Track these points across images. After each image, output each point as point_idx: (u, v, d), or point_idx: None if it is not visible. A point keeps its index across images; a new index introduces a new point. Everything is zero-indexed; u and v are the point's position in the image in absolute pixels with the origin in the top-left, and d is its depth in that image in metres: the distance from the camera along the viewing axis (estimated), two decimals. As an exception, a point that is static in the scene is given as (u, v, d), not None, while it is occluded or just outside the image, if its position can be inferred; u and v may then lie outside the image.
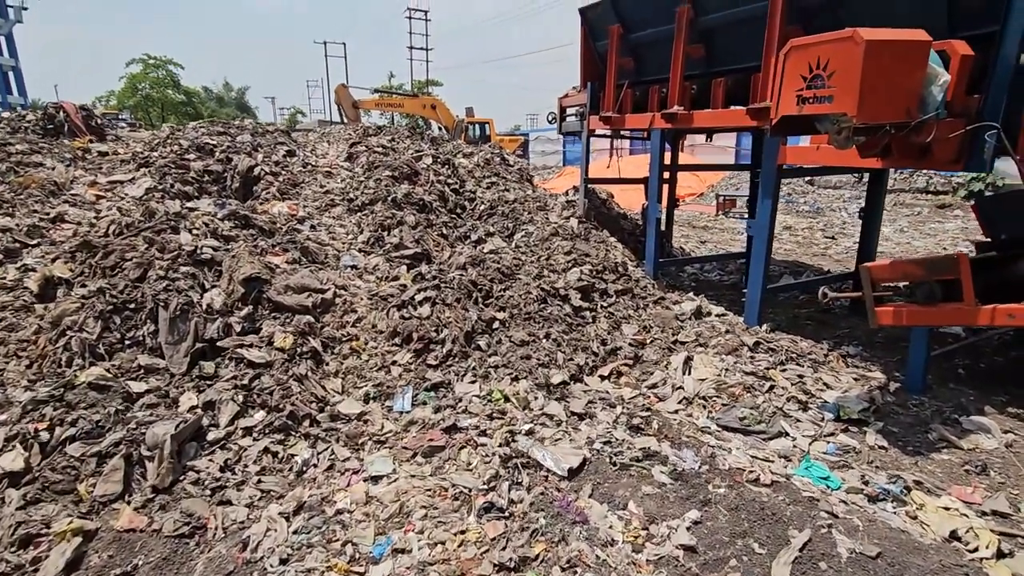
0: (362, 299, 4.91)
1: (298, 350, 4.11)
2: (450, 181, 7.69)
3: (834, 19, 4.41)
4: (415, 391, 4.02)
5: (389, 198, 6.82)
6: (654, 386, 4.13)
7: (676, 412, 3.85)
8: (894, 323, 4.16)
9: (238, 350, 3.97)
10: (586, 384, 4.26)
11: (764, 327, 5.17)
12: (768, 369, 4.33)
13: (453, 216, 7.18)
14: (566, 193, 8.38)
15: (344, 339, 4.45)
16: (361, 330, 4.58)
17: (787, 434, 3.61)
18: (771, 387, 4.10)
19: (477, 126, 27.78)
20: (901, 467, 3.27)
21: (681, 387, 4.07)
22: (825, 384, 4.22)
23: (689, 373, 4.25)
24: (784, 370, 4.35)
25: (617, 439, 3.52)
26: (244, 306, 4.29)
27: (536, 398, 3.94)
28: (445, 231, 6.76)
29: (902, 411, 3.90)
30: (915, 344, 4.14)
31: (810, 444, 3.51)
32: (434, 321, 4.52)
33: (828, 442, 3.53)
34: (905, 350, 4.96)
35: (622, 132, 7.20)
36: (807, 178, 21.16)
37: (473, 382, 4.10)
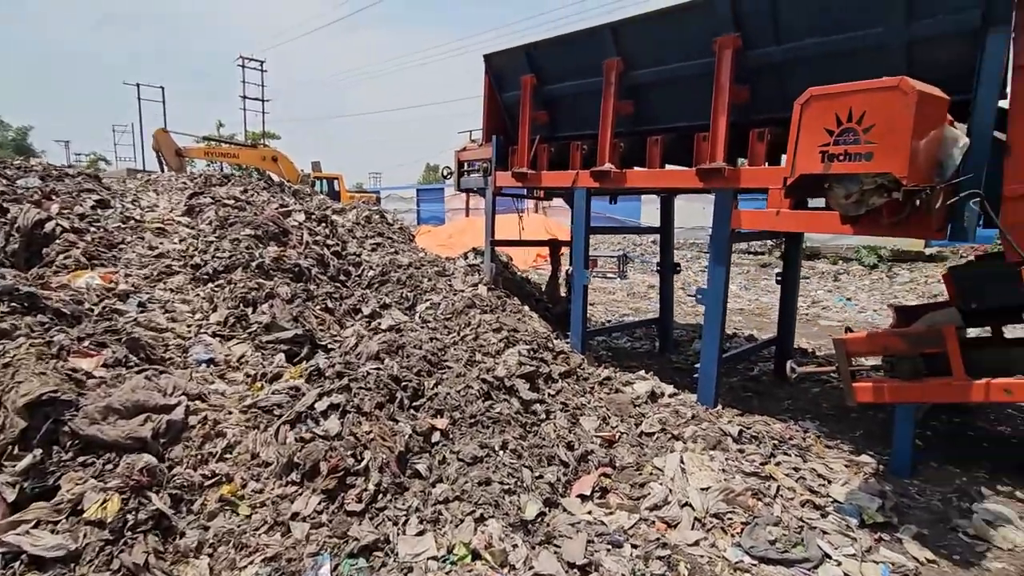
0: (232, 413, 3.38)
1: (130, 518, 2.51)
2: (330, 242, 6.33)
3: (779, 82, 4.24)
4: (335, 560, 2.64)
5: (253, 263, 5.27)
6: (656, 507, 3.24)
7: (697, 543, 2.98)
8: (874, 400, 3.84)
9: (9, 538, 2.26)
10: (567, 511, 3.23)
11: (719, 407, 4.66)
12: (763, 464, 3.72)
13: (337, 285, 5.81)
14: (465, 256, 7.46)
15: (209, 484, 2.90)
16: (235, 464, 3.06)
17: (829, 556, 2.94)
18: (778, 489, 3.47)
19: (325, 181, 25.94)
20: (970, 591, 2.75)
21: (688, 503, 3.24)
22: (820, 476, 3.71)
23: (687, 481, 3.45)
24: (778, 463, 3.77)
25: (646, 602, 2.53)
26: (26, 451, 2.57)
27: (515, 546, 2.81)
28: (330, 304, 5.37)
29: (911, 503, 3.49)
30: (900, 423, 3.83)
31: (860, 567, 2.87)
32: (349, 441, 3.18)
33: (877, 562, 2.92)
34: (859, 421, 4.77)
35: (535, 191, 6.56)
36: (652, 236, 22.93)
37: (421, 532, 2.83)
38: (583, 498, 3.36)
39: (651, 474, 3.60)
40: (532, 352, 4.66)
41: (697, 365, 4.85)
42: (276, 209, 6.57)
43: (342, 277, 6.06)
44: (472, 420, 3.65)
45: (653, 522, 3.15)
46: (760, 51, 4.18)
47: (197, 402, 3.34)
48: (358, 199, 25.43)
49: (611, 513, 3.23)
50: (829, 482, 3.64)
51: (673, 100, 4.82)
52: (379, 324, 5.27)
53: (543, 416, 4.02)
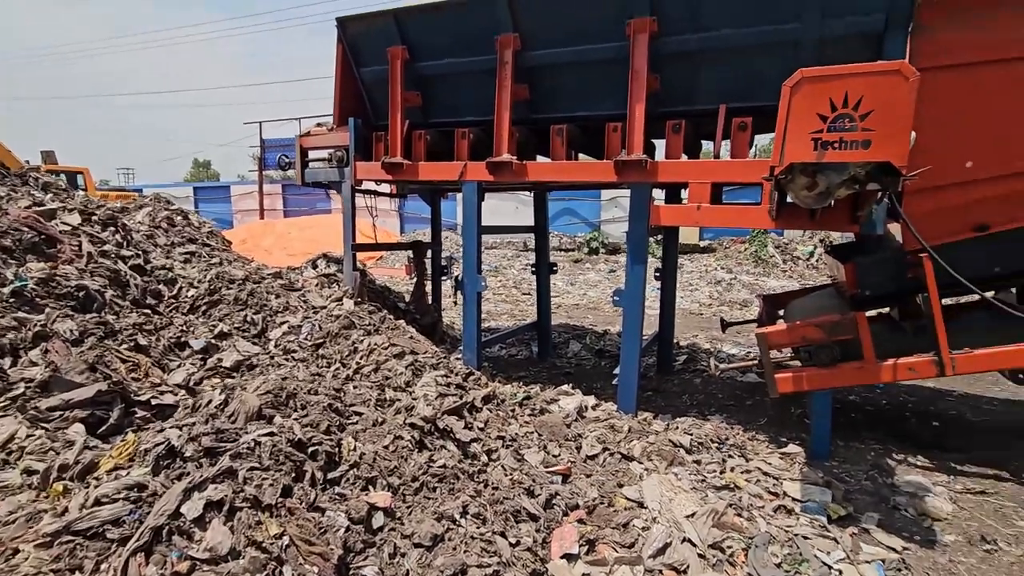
0: (20, 552, 1.97)
1: None
2: (125, 253, 4.58)
3: (691, 68, 4.11)
4: None
5: (4, 290, 3.46)
6: (659, 551, 2.75)
7: (718, 588, 2.58)
8: (795, 389, 3.93)
9: None
10: (561, 582, 2.57)
11: (641, 414, 4.43)
12: (721, 473, 3.51)
13: (145, 313, 4.20)
14: (313, 265, 6.15)
15: None
16: (48, 651, 1.73)
17: (830, 567, 2.79)
18: (748, 501, 3.27)
19: (64, 176, 20.44)
20: (953, 573, 2.82)
21: (688, 540, 2.82)
22: (766, 475, 3.64)
23: (672, 512, 3.04)
24: (732, 469, 3.61)
25: None
26: None
27: (532, 657, 2.07)
28: (141, 340, 3.82)
29: (849, 487, 3.59)
30: (819, 409, 3.97)
31: (857, 570, 2.77)
32: (255, 560, 2.06)
33: (868, 561, 2.85)
34: (755, 409, 4.95)
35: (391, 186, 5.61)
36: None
37: None
38: (569, 558, 2.73)
39: (626, 509, 3.12)
40: (446, 378, 3.84)
41: (615, 371, 4.53)
42: (25, 208, 4.56)
43: (150, 300, 4.44)
44: (416, 485, 2.75)
45: (661, 571, 2.66)
46: (674, 38, 3.98)
47: (-57, 548, 1.86)
48: (111, 199, 20.55)
49: (611, 572, 2.66)
50: (777, 479, 3.59)
51: (578, 86, 4.42)
52: (220, 362, 3.93)
53: (485, 459, 3.27)
